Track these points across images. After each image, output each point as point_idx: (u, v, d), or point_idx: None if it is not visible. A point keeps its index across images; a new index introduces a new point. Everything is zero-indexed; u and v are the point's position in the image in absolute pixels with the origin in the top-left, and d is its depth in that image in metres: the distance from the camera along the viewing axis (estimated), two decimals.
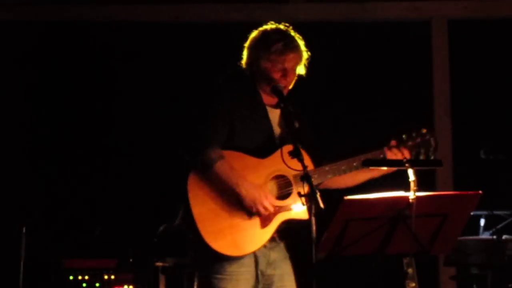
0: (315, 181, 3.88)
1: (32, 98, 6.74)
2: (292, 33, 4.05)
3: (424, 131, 4.15)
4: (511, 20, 6.84)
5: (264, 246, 3.97)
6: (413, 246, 3.85)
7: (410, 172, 3.85)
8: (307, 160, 3.85)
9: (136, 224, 6.21)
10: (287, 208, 3.94)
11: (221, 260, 3.89)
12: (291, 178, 3.94)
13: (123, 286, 5.95)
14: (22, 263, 5.72)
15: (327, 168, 4.02)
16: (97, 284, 5.91)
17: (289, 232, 4.02)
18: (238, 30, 4.23)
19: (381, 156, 4.08)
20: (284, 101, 3.92)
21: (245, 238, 3.89)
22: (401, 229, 3.80)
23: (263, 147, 3.97)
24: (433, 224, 3.85)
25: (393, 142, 4.13)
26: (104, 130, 6.73)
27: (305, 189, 3.53)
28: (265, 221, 3.91)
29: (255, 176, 3.93)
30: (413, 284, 3.96)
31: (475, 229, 5.84)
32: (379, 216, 3.76)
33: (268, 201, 3.88)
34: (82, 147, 6.68)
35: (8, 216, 6.33)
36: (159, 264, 5.67)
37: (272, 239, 3.99)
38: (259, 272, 3.98)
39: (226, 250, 3.87)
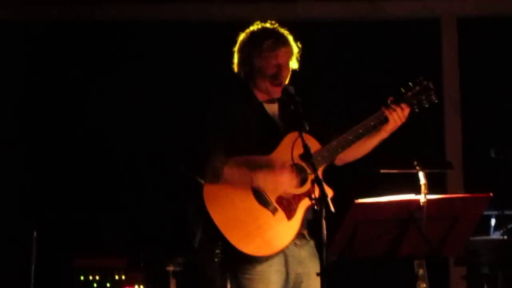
0: (327, 159, 3.93)
1: (38, 98, 6.71)
2: (280, 29, 4.07)
3: (421, 78, 4.11)
4: None
5: (295, 244, 3.94)
6: (424, 248, 3.85)
7: (421, 175, 3.85)
8: (313, 143, 3.89)
9: (147, 225, 6.20)
10: (307, 194, 3.88)
11: (250, 260, 3.86)
12: (303, 164, 3.90)
13: (133, 285, 5.94)
14: (33, 263, 5.72)
15: (335, 143, 3.99)
16: (108, 284, 5.90)
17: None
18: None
19: (383, 115, 4.04)
20: (295, 103, 3.89)
21: (275, 235, 3.86)
22: (411, 232, 3.81)
23: (267, 143, 3.95)
24: (444, 226, 3.86)
25: (390, 98, 4.09)
26: (116, 132, 6.68)
27: (316, 193, 3.52)
28: (290, 212, 3.88)
29: None
30: (424, 285, 3.97)
31: (486, 229, 5.83)
32: (390, 219, 3.77)
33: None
34: (94, 149, 6.66)
35: (20, 216, 6.34)
36: (170, 268, 5.66)
37: (302, 236, 3.96)
38: (289, 271, 3.94)
39: (260, 252, 3.83)
